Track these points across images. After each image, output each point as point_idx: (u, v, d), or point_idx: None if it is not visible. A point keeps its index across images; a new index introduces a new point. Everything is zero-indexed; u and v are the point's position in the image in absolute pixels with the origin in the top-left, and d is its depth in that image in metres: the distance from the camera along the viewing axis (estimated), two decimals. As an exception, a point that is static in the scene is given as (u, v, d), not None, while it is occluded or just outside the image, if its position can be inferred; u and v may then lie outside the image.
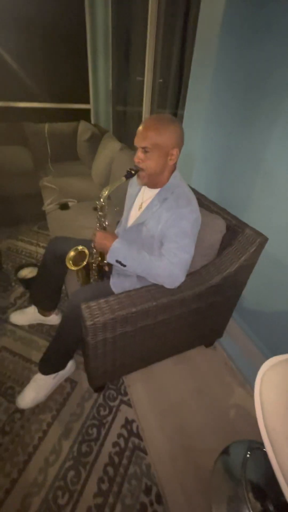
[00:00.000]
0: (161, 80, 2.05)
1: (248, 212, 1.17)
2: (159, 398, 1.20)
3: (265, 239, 0.99)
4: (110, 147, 1.99)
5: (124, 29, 2.40)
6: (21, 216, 2.43)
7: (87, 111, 3.14)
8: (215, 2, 1.09)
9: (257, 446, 0.97)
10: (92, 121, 3.16)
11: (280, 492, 0.85)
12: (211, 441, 1.08)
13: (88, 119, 3.09)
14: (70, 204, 1.87)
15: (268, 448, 0.50)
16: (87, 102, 3.10)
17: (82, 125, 2.62)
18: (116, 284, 1.06)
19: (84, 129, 2.48)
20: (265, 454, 0.98)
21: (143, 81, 2.19)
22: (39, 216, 2.45)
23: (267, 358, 1.28)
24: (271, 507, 0.85)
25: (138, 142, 0.90)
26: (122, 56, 2.55)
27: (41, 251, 2.07)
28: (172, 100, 1.95)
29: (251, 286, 1.18)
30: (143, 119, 2.30)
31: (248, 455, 0.92)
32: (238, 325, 1.42)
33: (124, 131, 2.89)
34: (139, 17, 2.10)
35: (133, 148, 1.99)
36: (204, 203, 1.19)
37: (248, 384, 1.29)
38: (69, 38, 2.65)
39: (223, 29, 1.08)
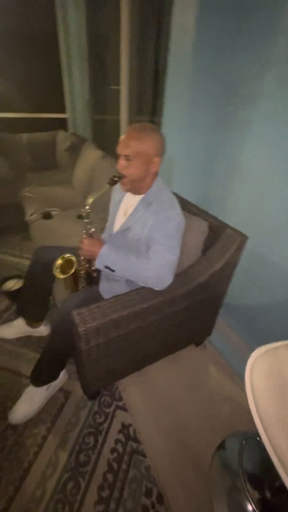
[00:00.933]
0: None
1: (228, 212, 1.23)
2: (154, 400, 1.22)
3: (245, 238, 1.05)
4: (91, 156, 2.01)
5: (98, 37, 2.45)
6: (3, 227, 2.37)
7: (65, 120, 3.15)
8: (186, 11, 1.15)
9: (250, 437, 1.01)
10: (70, 130, 3.17)
11: (274, 477, 0.89)
12: (208, 436, 1.10)
13: (65, 128, 3.10)
14: (53, 213, 1.87)
15: (261, 431, 0.53)
16: (64, 111, 3.12)
17: (61, 134, 2.63)
18: (106, 289, 1.08)
19: (63, 139, 2.50)
20: (258, 444, 1.02)
21: (119, 89, 2.24)
22: (22, 227, 2.41)
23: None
24: (268, 494, 0.89)
25: (120, 150, 0.93)
26: (98, 64, 2.60)
27: (25, 262, 2.03)
28: (149, 108, 2.01)
29: (235, 283, 1.23)
30: (120, 127, 2.35)
31: (243, 444, 0.96)
32: (225, 322, 1.47)
33: (103, 140, 2.93)
34: (113, 25, 2.16)
35: (114, 156, 2.03)
36: (186, 206, 1.23)
37: (239, 378, 1.33)
38: (42, 46, 2.65)
39: (196, 37, 1.13)
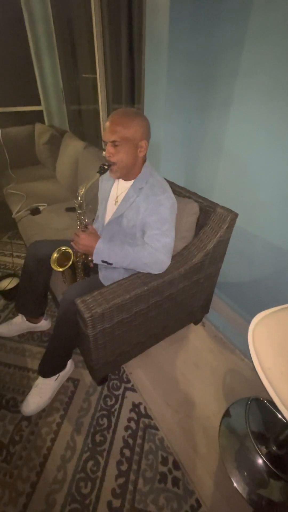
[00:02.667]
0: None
1: (216, 192, 1.27)
2: (160, 378, 1.27)
3: (235, 215, 1.09)
4: (73, 147, 1.98)
5: (67, 22, 2.35)
6: (-13, 228, 2.32)
7: (40, 112, 3.05)
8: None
9: (253, 399, 1.09)
10: (46, 122, 3.08)
11: (278, 433, 0.97)
12: (214, 406, 1.17)
13: (41, 121, 3.01)
14: (40, 208, 1.84)
15: (267, 385, 0.58)
16: (38, 103, 3.01)
17: (38, 127, 2.55)
18: (105, 276, 1.10)
19: (41, 132, 2.42)
20: (261, 405, 1.10)
21: (95, 78, 2.19)
22: (7, 225, 2.37)
23: (248, 323, 1.41)
24: (274, 448, 0.97)
25: (106, 137, 0.93)
26: (69, 52, 2.51)
27: (17, 260, 2.01)
28: (128, 95, 1.98)
29: (226, 260, 1.28)
30: (100, 116, 2.31)
31: (248, 406, 1.03)
32: (220, 299, 1.53)
33: (81, 130, 2.87)
34: (81, 8, 2.08)
35: (96, 146, 2.01)
36: (175, 189, 1.26)
37: (237, 349, 1.41)
38: (7, 35, 2.52)
39: (171, 17, 1.13)
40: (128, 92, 1.95)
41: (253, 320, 0.72)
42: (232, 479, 0.96)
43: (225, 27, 1.01)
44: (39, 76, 2.86)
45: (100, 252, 0.96)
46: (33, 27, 2.59)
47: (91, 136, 2.66)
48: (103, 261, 0.98)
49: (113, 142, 0.91)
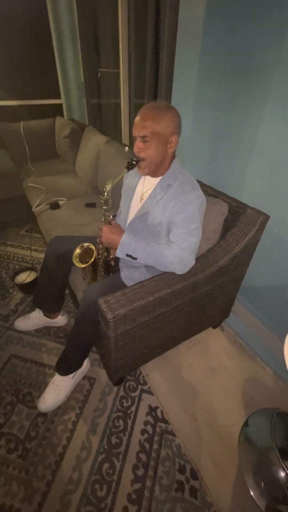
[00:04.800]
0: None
1: (245, 192, 1.21)
2: (177, 382, 1.24)
3: (266, 217, 1.03)
4: (94, 141, 1.95)
5: (92, 15, 2.32)
6: (6, 220, 2.34)
7: (59, 106, 3.04)
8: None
9: (280, 412, 1.03)
10: (66, 116, 3.07)
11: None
12: (232, 414, 1.13)
13: (61, 114, 3.00)
14: (60, 203, 1.83)
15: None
16: (58, 97, 3.00)
17: (59, 121, 2.54)
18: (128, 276, 1.07)
19: (62, 125, 2.41)
20: (284, 418, 1.05)
21: (117, 72, 2.15)
22: (26, 218, 2.38)
23: (272, 331, 1.35)
24: (298, 464, 0.92)
25: (136, 131, 0.89)
26: (92, 45, 2.48)
27: (35, 254, 2.01)
28: (150, 89, 1.93)
29: (252, 264, 1.23)
30: (122, 111, 2.27)
31: (274, 419, 0.98)
32: (242, 304, 1.47)
33: (101, 124, 2.84)
34: (107, 3, 2.04)
35: (117, 140, 1.97)
36: (202, 188, 1.20)
37: (257, 356, 1.36)
38: (31, 29, 2.50)
39: (206, 10, 1.07)
40: (152, 87, 1.90)
41: (290, 332, 0.67)
42: (251, 492, 0.92)
43: (271, 14, 0.94)
44: (60, 69, 2.84)
45: (126, 245, 0.93)
46: (56, 19, 2.57)
47: (110, 131, 2.63)
48: (127, 255, 0.94)
49: (143, 137, 0.87)
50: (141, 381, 1.24)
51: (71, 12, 2.42)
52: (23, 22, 2.44)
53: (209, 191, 1.18)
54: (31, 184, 2.08)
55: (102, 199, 0.98)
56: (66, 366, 1.13)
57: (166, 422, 1.10)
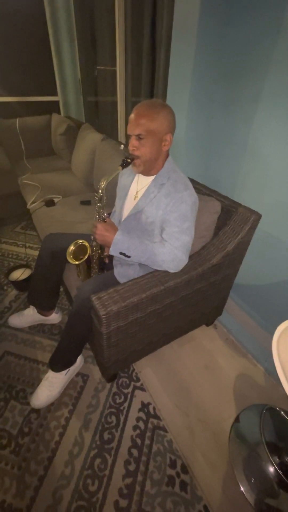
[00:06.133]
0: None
1: (238, 192, 1.22)
2: (170, 379, 1.25)
3: (259, 216, 1.04)
4: (90, 139, 1.95)
5: (89, 12, 2.31)
6: (1, 217, 2.33)
7: (56, 103, 3.02)
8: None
9: (269, 408, 1.05)
10: (62, 113, 3.05)
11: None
12: (223, 411, 1.15)
13: (57, 111, 2.98)
14: (55, 200, 1.83)
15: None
16: (55, 93, 2.98)
17: (55, 118, 2.53)
18: (121, 273, 1.07)
19: (58, 122, 2.40)
20: (274, 414, 1.07)
21: (114, 70, 2.15)
22: (21, 216, 2.37)
23: (264, 328, 1.37)
24: (287, 458, 0.94)
25: (131, 130, 0.89)
26: (89, 43, 2.47)
27: (30, 251, 2.01)
28: (147, 88, 1.93)
29: (243, 263, 1.24)
30: (118, 109, 2.27)
31: (263, 415, 1.00)
32: (234, 302, 1.49)
33: (97, 122, 2.83)
34: (104, 1, 2.04)
35: (114, 138, 1.97)
36: (195, 187, 1.21)
37: (250, 354, 1.38)
38: (28, 26, 2.48)
39: (201, 9, 1.07)
40: (148, 85, 1.90)
41: (278, 328, 0.68)
42: (241, 486, 0.94)
43: (264, 14, 0.95)
44: (57, 66, 2.82)
45: (119, 243, 0.94)
46: (53, 16, 2.54)
47: (107, 128, 2.63)
48: (120, 253, 0.95)
49: (138, 135, 0.88)
50: (134, 378, 1.25)
51: (68, 9, 2.40)
52: (20, 18, 2.42)
53: (203, 190, 1.19)
54: (27, 181, 2.07)
55: (97, 196, 0.99)
56: (59, 362, 1.14)
57: (158, 418, 1.11)
